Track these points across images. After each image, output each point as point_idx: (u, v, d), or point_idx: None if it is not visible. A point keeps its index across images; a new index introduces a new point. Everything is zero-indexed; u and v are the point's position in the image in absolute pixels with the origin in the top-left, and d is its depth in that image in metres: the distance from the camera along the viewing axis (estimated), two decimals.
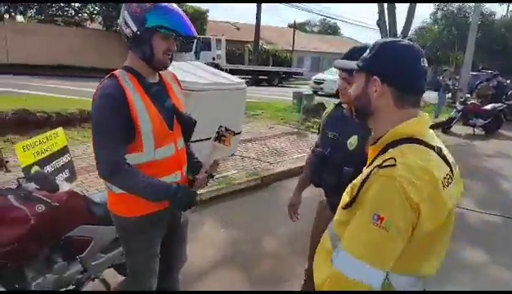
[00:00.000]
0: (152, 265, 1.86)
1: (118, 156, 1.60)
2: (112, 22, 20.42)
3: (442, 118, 11.59)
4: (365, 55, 1.18)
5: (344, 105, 1.93)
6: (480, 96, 12.47)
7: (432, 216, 1.02)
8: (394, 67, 1.11)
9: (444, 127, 10.56)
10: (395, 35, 15.67)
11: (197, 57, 19.26)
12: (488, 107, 10.62)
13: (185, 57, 17.89)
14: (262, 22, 27.25)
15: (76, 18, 22.89)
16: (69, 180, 3.65)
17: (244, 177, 5.34)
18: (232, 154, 6.14)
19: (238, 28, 31.33)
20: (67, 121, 6.67)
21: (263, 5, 25.44)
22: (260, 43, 27.27)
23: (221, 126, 1.83)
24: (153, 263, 1.86)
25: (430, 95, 14.39)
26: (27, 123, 6.27)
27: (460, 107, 10.64)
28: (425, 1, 27.25)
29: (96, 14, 22.58)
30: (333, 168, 1.78)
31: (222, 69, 12.46)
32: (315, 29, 55.83)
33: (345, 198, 1.16)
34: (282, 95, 15.32)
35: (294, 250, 3.57)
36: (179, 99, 1.85)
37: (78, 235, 2.19)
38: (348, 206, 1.10)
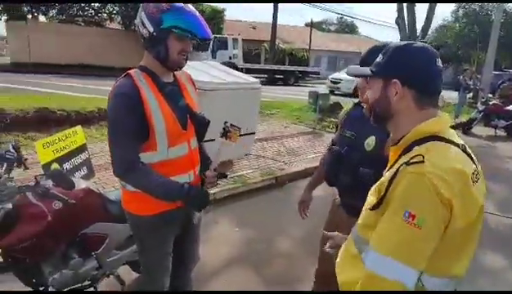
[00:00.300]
0: (165, 263, 1.88)
1: (132, 155, 1.62)
2: (131, 22, 20.74)
3: (463, 118, 11.30)
4: (378, 60, 1.19)
5: (364, 104, 1.89)
6: (502, 96, 12.09)
7: (464, 212, 1.00)
8: (413, 69, 1.12)
9: (465, 128, 10.30)
10: (414, 34, 15.39)
11: (214, 56, 19.38)
12: (511, 107, 10.32)
13: (201, 56, 18.02)
14: (281, 21, 27.22)
15: (96, 18, 23.37)
16: (87, 177, 3.71)
17: (259, 177, 5.34)
18: (247, 154, 6.14)
19: (254, 28, 31.32)
20: (86, 119, 6.80)
21: (283, 4, 25.37)
22: (277, 42, 27.21)
23: (226, 123, 1.84)
24: (166, 261, 1.88)
25: (451, 95, 14.09)
26: (47, 121, 6.44)
27: (481, 107, 10.37)
28: (446, 1, 26.66)
29: (115, 14, 22.99)
30: (348, 168, 1.75)
31: (239, 68, 12.51)
32: (332, 28, 55.30)
33: (371, 199, 1.15)
34: (298, 94, 15.26)
35: (308, 250, 3.53)
36: (193, 99, 1.85)
37: (93, 232, 2.23)
38: (375, 207, 1.09)
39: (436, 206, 0.97)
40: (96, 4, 22.42)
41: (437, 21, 39.09)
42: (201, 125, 1.84)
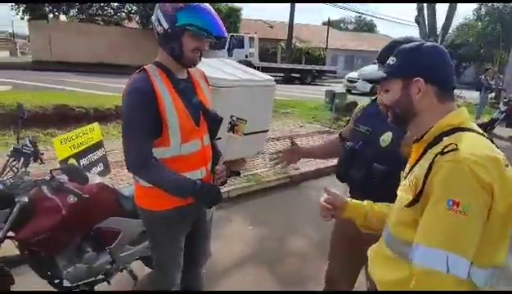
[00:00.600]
0: (177, 259, 1.89)
1: (146, 151, 1.63)
2: (148, 20, 20.98)
3: (484, 118, 11.02)
4: (391, 62, 1.22)
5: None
6: None
7: (503, 196, 1.00)
8: (433, 66, 1.16)
9: (486, 129, 10.00)
10: (435, 32, 15.07)
11: (230, 55, 19.39)
12: None
13: (218, 54, 18.07)
14: (298, 20, 27.06)
15: (115, 17, 23.76)
16: (103, 173, 3.76)
17: (273, 175, 5.32)
18: (260, 152, 6.12)
19: (271, 27, 31.23)
20: (103, 116, 6.91)
21: (301, 3, 25.20)
22: (293, 41, 27.08)
23: (232, 116, 1.86)
24: (177, 256, 1.89)
25: (472, 95, 13.74)
26: (66, 118, 6.57)
27: (503, 108, 10.13)
28: (467, 1, 25.99)
29: (133, 13, 23.32)
30: (362, 164, 1.71)
31: (255, 67, 12.49)
32: (350, 27, 54.64)
33: (405, 196, 1.13)
34: (314, 93, 15.15)
35: (322, 250, 3.47)
36: (206, 96, 1.86)
37: (107, 227, 2.25)
38: (413, 203, 1.08)
39: (478, 191, 0.97)
40: (115, 4, 22.79)
41: (458, 19, 38.13)
42: (214, 122, 1.84)
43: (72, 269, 2.16)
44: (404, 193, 1.16)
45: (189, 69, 1.79)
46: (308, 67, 24.05)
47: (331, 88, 12.44)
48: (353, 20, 56.07)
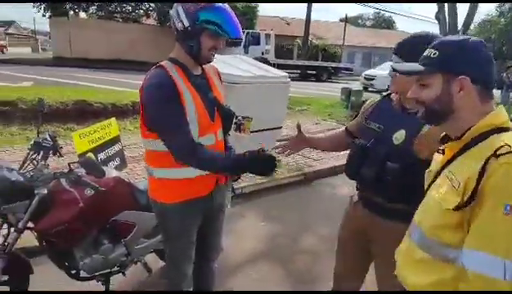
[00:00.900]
0: (188, 252, 1.92)
1: (189, 137, 1.65)
2: (165, 18, 21.15)
3: None
4: (430, 55, 1.14)
5: (393, 97, 1.79)
6: None
7: None
8: (480, 65, 1.11)
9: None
10: (455, 29, 14.70)
11: (246, 51, 19.37)
12: None
13: (233, 51, 18.10)
14: (315, 17, 26.83)
15: (133, 14, 24.09)
16: (120, 167, 3.83)
17: (287, 173, 5.32)
18: (274, 148, 6.11)
19: (288, 23, 31.06)
20: (121, 112, 7.02)
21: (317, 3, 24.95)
22: (310, 38, 26.88)
23: (237, 117, 1.89)
24: (189, 250, 1.92)
25: (493, 94, 13.37)
26: (85, 113, 6.71)
27: None
28: (487, 1, 25.21)
29: (151, 10, 23.58)
30: (374, 162, 1.66)
31: (271, 64, 12.46)
32: (368, 23, 53.86)
33: (450, 198, 1.08)
34: (331, 90, 15.02)
35: (333, 248, 3.47)
36: (220, 92, 1.89)
37: (122, 220, 2.30)
38: (463, 205, 1.03)
39: None
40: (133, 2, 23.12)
41: (480, 16, 37.13)
42: (227, 117, 1.87)
43: (89, 261, 2.22)
44: (446, 194, 1.10)
45: (203, 66, 1.82)
46: (325, 64, 23.86)
47: (348, 86, 12.32)
48: (371, 17, 55.28)
